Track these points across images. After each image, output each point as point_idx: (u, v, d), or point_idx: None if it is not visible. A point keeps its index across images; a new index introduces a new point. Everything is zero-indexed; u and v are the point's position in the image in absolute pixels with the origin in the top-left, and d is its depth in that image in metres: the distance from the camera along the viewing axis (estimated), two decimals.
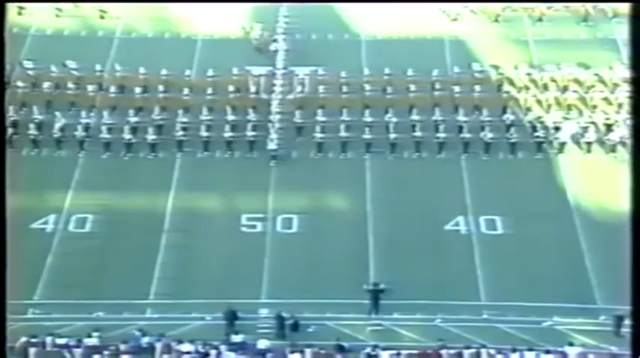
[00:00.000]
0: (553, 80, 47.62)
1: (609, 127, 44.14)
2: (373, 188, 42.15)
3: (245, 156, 43.92)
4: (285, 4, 54.22)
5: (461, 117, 44.48)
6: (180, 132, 43.93)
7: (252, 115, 44.63)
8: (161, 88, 46.50)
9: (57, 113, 44.33)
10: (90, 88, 46.77)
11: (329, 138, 43.70)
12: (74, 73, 47.09)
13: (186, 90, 46.60)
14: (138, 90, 46.76)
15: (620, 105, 45.87)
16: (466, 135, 43.66)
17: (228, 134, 43.80)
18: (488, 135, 43.55)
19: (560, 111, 46.22)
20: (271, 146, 43.63)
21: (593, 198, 41.42)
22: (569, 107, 46.40)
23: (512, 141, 43.54)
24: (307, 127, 44.40)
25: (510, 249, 38.95)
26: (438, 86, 47.00)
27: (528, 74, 47.95)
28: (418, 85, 46.94)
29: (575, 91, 46.92)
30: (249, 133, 43.80)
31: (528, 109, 46.70)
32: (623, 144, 42.65)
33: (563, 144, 43.75)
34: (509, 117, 44.63)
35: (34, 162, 42.87)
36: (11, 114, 42.84)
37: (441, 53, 50.09)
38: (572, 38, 51.42)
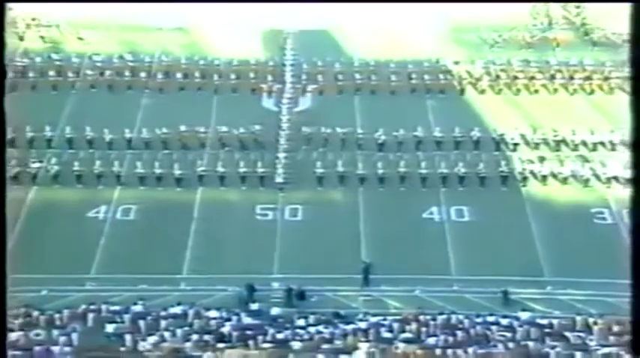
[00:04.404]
0: (503, 70, 51.50)
1: (594, 146, 45.02)
2: (365, 189, 44.06)
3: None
4: (290, 33, 55.49)
5: (437, 134, 46.12)
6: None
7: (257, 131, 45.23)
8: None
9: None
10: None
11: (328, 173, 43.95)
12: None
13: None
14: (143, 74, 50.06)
15: (555, 90, 50.11)
16: (444, 171, 43.88)
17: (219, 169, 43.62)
18: (462, 170, 43.65)
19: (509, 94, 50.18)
20: (278, 179, 43.69)
21: (543, 191, 43.69)
22: (517, 91, 50.30)
23: (482, 175, 43.51)
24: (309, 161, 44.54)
25: (475, 233, 40.90)
26: (414, 76, 51.25)
27: (484, 67, 51.75)
28: (398, 76, 51.09)
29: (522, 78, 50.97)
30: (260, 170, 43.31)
31: (482, 92, 49.96)
32: (617, 179, 42.87)
33: (525, 179, 44.08)
34: (476, 134, 45.92)
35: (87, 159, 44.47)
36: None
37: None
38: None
